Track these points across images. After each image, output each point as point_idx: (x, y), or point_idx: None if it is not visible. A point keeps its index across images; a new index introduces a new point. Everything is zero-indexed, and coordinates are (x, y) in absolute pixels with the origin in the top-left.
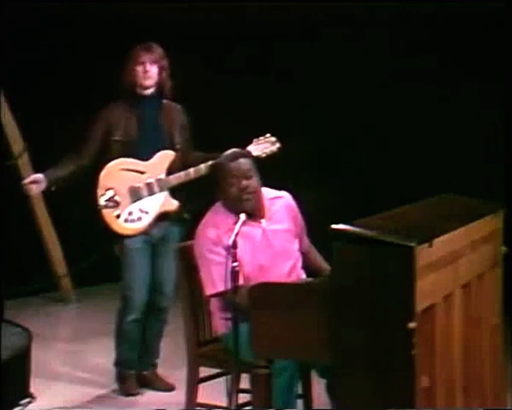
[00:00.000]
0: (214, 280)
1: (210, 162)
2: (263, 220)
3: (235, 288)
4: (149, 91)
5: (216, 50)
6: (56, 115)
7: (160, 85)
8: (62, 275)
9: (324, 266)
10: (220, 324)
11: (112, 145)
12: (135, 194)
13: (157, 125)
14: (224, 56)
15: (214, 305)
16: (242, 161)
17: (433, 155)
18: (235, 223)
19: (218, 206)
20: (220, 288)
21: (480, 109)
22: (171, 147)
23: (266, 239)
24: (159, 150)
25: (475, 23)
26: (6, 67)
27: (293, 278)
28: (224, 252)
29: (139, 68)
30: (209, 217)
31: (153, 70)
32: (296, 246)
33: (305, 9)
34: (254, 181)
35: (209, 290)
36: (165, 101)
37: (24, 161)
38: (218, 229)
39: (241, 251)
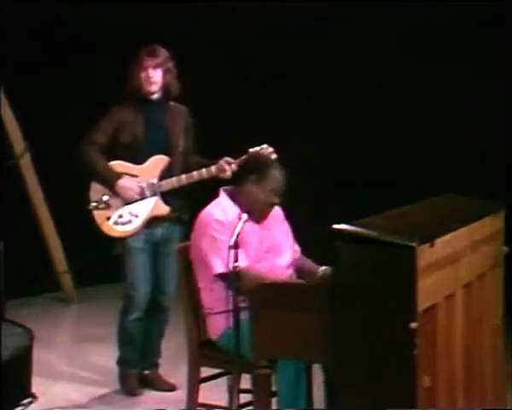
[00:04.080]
0: (224, 260)
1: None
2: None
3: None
4: (155, 96)
5: (216, 51)
6: (57, 115)
7: (165, 88)
8: (63, 272)
9: (315, 268)
10: (217, 326)
11: (117, 147)
12: None
13: (162, 127)
14: (224, 57)
15: (215, 296)
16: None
17: (433, 155)
18: (240, 214)
19: (224, 196)
20: (230, 268)
21: (480, 109)
22: (174, 149)
23: (266, 234)
24: (160, 153)
25: (475, 23)
26: (7, 67)
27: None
28: (229, 236)
29: (143, 74)
30: (216, 204)
31: (156, 75)
32: (291, 243)
33: (303, 9)
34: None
35: (218, 269)
36: (171, 103)
37: (25, 161)
38: (226, 215)
39: (243, 246)
